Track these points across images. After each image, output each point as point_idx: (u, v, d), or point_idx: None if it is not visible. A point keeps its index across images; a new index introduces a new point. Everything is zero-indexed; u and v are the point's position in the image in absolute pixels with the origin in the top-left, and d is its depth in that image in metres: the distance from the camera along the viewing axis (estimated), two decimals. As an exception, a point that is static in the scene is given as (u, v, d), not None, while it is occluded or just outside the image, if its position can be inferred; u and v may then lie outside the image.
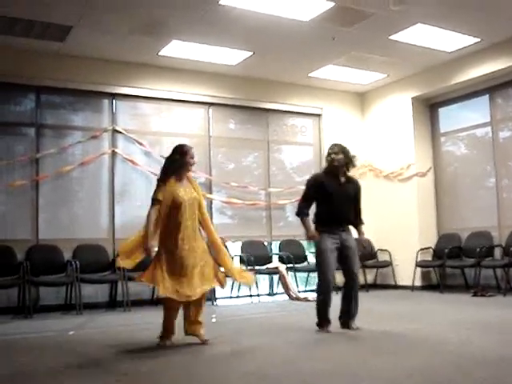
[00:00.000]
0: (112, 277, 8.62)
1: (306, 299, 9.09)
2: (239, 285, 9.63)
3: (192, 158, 5.45)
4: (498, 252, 9.43)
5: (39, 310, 8.11)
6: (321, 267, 5.84)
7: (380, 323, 6.20)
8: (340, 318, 5.87)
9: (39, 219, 8.62)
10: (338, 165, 5.90)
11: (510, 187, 9.66)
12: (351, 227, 6.02)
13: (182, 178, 5.38)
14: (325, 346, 5.12)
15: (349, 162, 5.96)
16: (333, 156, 5.92)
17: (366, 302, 6.52)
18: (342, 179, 5.96)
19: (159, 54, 9.01)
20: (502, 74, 9.39)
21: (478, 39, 8.87)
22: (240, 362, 4.45)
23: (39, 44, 8.37)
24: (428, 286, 10.16)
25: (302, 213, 5.97)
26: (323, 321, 5.80)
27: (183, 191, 5.28)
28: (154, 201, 5.29)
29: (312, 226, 5.88)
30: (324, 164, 6.20)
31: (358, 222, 6.04)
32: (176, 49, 8.85)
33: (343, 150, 5.97)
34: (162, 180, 5.34)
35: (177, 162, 5.38)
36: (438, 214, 10.72)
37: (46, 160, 8.75)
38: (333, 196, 5.84)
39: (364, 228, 6.12)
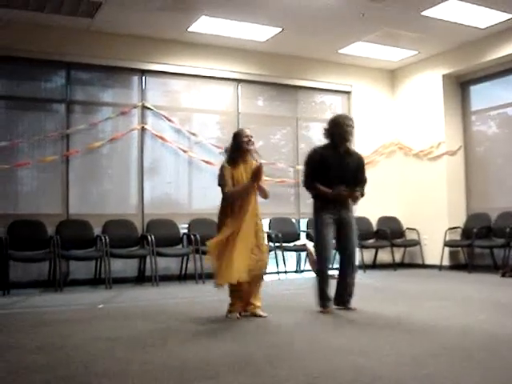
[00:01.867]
0: (141, 252, 8.72)
1: (333, 277, 9.09)
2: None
3: (245, 138, 5.48)
4: (528, 232, 9.35)
5: (69, 283, 8.24)
6: (317, 246, 5.78)
7: (405, 302, 6.20)
8: (335, 298, 5.75)
9: (69, 194, 8.73)
10: (350, 137, 5.76)
11: (542, 167, 9.54)
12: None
13: (243, 160, 5.47)
14: (347, 324, 5.13)
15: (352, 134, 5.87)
16: (350, 128, 5.73)
17: (393, 280, 6.53)
18: (342, 152, 5.73)
19: (188, 30, 8.99)
20: (535, 52, 9.24)
21: (512, 15, 8.72)
22: (266, 337, 4.49)
23: (69, 21, 8.40)
24: (456, 266, 10.11)
25: (310, 184, 5.75)
26: (323, 300, 5.65)
27: (243, 174, 5.38)
28: (221, 186, 5.45)
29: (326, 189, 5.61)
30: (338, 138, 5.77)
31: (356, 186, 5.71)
32: (205, 25, 8.83)
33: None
34: (227, 163, 5.48)
35: (232, 147, 5.52)
36: (467, 193, 10.62)
37: (76, 136, 8.83)
38: (331, 169, 5.65)
39: (362, 201, 5.93)
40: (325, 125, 5.85)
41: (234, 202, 5.36)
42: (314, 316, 5.46)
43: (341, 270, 5.78)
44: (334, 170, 5.64)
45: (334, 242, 5.76)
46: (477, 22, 8.97)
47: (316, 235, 5.76)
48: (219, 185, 5.44)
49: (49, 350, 4.10)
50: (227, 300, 5.47)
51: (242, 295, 5.41)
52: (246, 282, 5.26)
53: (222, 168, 5.47)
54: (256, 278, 5.35)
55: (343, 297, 5.74)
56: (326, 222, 5.62)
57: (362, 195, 5.80)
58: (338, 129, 5.70)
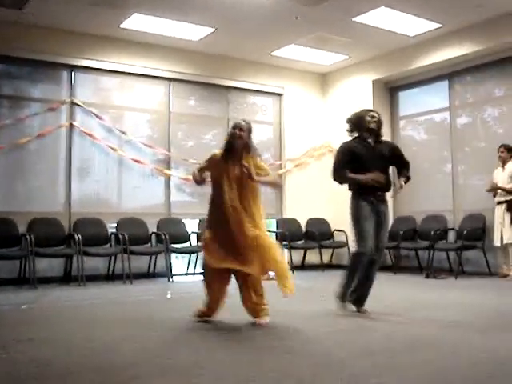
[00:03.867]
0: (67, 251, 8.55)
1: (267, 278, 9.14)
2: (196, 261, 9.68)
3: (230, 138, 4.99)
4: (451, 235, 9.63)
5: (-8, 283, 8.02)
6: (358, 236, 5.45)
7: (332, 303, 6.28)
8: (356, 298, 5.56)
9: (-7, 191, 8.49)
10: (375, 127, 5.60)
11: (466, 173, 9.85)
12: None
13: (233, 156, 4.96)
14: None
15: (380, 126, 5.68)
16: (374, 119, 5.61)
17: (321, 281, 6.59)
18: (371, 143, 5.61)
19: (121, 26, 8.88)
20: (461, 61, 9.54)
21: (440, 25, 8.97)
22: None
23: (-3, 12, 8.18)
24: (382, 267, 10.22)
25: (340, 174, 5.54)
26: (344, 295, 5.54)
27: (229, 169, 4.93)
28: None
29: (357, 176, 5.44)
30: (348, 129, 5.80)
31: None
32: (138, 22, 8.74)
33: (379, 117, 5.71)
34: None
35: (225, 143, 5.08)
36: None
37: (2, 131, 8.57)
38: (363, 159, 5.49)
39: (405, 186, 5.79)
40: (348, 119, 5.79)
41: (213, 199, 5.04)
42: (243, 318, 5.46)
43: (367, 266, 5.48)
44: (366, 161, 5.49)
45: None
46: (406, 30, 9.19)
47: (356, 226, 5.47)
48: None
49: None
50: (157, 301, 5.41)
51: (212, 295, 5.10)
52: (217, 282, 5.03)
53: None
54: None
55: (363, 298, 5.55)
56: (365, 212, 5.42)
57: (408, 178, 5.77)
58: (362, 121, 5.62)
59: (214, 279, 5.05)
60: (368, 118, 5.61)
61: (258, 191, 5.01)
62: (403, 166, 5.79)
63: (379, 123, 5.66)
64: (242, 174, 4.86)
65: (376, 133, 5.63)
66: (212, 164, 5.04)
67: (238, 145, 4.94)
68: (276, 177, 4.82)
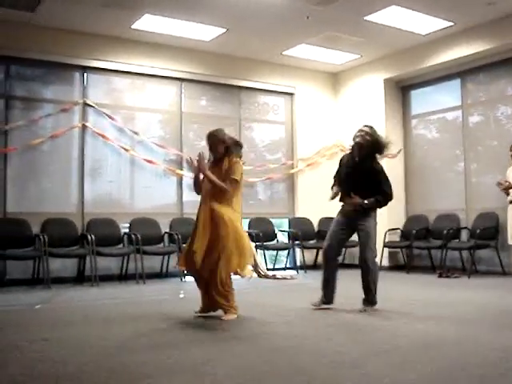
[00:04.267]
0: (80, 251, 8.59)
1: (274, 277, 9.17)
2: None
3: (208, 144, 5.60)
4: (464, 234, 9.60)
5: (6, 283, 8.08)
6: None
7: (347, 302, 6.28)
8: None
9: (7, 192, 8.52)
10: (355, 145, 5.76)
11: (479, 171, 9.80)
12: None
13: (215, 161, 5.55)
14: (285, 323, 5.16)
15: (375, 146, 5.72)
16: (361, 133, 5.76)
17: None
18: (358, 160, 5.75)
19: (132, 27, 8.91)
20: (473, 59, 9.49)
21: (452, 23, 8.93)
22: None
23: (10, 13, 8.20)
24: (395, 267, 10.29)
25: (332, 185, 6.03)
26: (322, 294, 5.82)
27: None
28: None
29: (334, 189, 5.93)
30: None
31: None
32: (149, 23, 8.76)
33: (372, 134, 5.75)
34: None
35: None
36: (406, 195, 10.84)
37: (15, 132, 8.63)
38: (343, 175, 5.86)
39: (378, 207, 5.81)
40: None
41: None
42: (256, 316, 5.47)
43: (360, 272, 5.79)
44: (346, 174, 5.84)
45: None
46: (418, 29, 9.17)
47: None
48: None
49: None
50: (170, 301, 5.44)
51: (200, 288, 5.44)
52: (196, 281, 5.39)
53: None
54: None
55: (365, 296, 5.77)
56: (338, 218, 5.91)
57: (378, 202, 5.70)
58: (353, 139, 5.84)
59: (195, 278, 5.48)
60: (355, 133, 5.81)
61: (228, 191, 5.34)
62: (379, 193, 5.72)
63: (364, 139, 5.71)
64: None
65: (359, 148, 5.74)
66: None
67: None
68: (227, 184, 5.31)
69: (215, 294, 5.27)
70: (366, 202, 5.63)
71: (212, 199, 5.34)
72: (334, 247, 5.86)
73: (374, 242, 5.78)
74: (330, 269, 5.84)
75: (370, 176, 5.71)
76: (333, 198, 5.89)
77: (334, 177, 6.06)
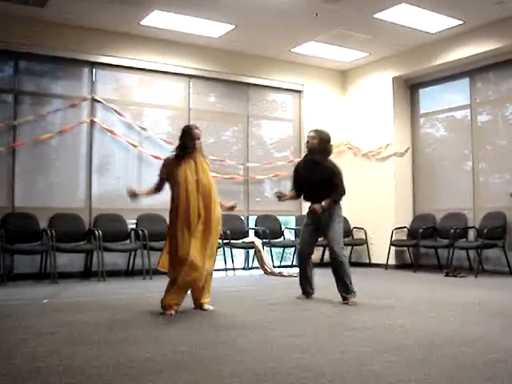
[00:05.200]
0: (87, 246, 8.61)
1: (280, 274, 9.18)
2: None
3: (193, 139, 5.46)
4: (471, 234, 9.58)
5: (13, 278, 8.10)
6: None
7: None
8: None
9: (15, 187, 8.55)
10: (310, 147, 6.24)
11: (487, 171, 9.76)
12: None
13: (189, 158, 5.45)
14: (295, 322, 5.16)
15: (323, 147, 6.23)
16: (308, 139, 6.29)
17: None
18: (313, 162, 6.22)
19: (141, 23, 8.92)
20: (482, 58, 9.46)
21: (461, 21, 8.90)
22: (212, 333, 4.49)
23: (19, 9, 8.22)
24: (402, 265, 10.28)
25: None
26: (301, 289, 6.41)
27: (186, 171, 5.36)
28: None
29: (287, 194, 6.60)
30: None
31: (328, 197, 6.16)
32: (158, 19, 8.77)
33: (320, 136, 6.25)
34: (166, 160, 5.58)
35: (180, 144, 5.51)
36: (414, 194, 10.82)
37: (24, 127, 8.65)
38: (302, 178, 6.32)
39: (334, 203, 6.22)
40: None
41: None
42: (263, 313, 5.48)
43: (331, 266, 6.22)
44: (302, 177, 6.34)
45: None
46: (427, 27, 9.14)
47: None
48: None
49: (-9, 345, 4.03)
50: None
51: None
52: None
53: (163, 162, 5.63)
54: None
55: (340, 291, 6.11)
56: (306, 221, 6.40)
57: (335, 202, 6.20)
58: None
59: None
60: (307, 139, 6.32)
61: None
62: (332, 189, 6.18)
63: (313, 142, 6.22)
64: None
65: (310, 151, 6.27)
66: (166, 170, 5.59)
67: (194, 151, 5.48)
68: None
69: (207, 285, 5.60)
70: (325, 205, 6.10)
71: None
72: (307, 250, 6.38)
73: (340, 235, 6.19)
74: (305, 267, 6.37)
75: (325, 177, 6.15)
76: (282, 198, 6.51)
77: (292, 183, 6.58)
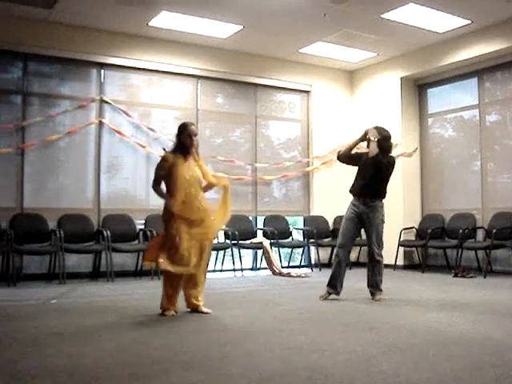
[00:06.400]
0: (96, 247, 8.63)
1: (288, 274, 9.18)
2: (222, 259, 9.72)
3: (189, 136, 5.46)
4: (480, 234, 9.55)
5: (22, 278, 8.13)
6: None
7: (359, 298, 6.28)
8: (368, 286, 6.46)
9: (24, 187, 8.59)
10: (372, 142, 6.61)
11: (495, 171, 9.73)
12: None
13: (187, 155, 5.48)
14: (303, 322, 5.16)
15: (382, 144, 6.68)
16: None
17: (348, 279, 6.59)
18: (372, 155, 6.54)
19: (149, 24, 8.93)
20: (491, 57, 9.43)
21: (469, 21, 8.87)
22: (219, 334, 4.50)
23: (28, 10, 8.25)
24: (410, 266, 10.26)
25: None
26: (328, 286, 6.38)
27: (184, 168, 5.38)
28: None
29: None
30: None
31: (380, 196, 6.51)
32: (166, 20, 8.78)
33: (382, 133, 6.81)
34: (164, 156, 5.50)
35: (177, 142, 5.52)
36: (422, 194, 10.80)
37: (33, 128, 8.69)
38: (359, 169, 6.56)
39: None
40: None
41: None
42: (271, 314, 5.49)
43: (368, 260, 6.53)
44: (361, 171, 6.64)
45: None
46: (435, 27, 9.12)
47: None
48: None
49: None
50: (182, 296, 5.45)
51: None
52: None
53: (160, 160, 5.56)
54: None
55: (371, 286, 6.43)
56: (348, 213, 6.49)
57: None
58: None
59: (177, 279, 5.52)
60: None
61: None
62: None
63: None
64: None
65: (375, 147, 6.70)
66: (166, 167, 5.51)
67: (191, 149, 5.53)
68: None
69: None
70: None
71: None
72: (348, 243, 6.48)
73: (381, 236, 6.43)
74: (343, 263, 6.40)
75: (382, 170, 6.55)
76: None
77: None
